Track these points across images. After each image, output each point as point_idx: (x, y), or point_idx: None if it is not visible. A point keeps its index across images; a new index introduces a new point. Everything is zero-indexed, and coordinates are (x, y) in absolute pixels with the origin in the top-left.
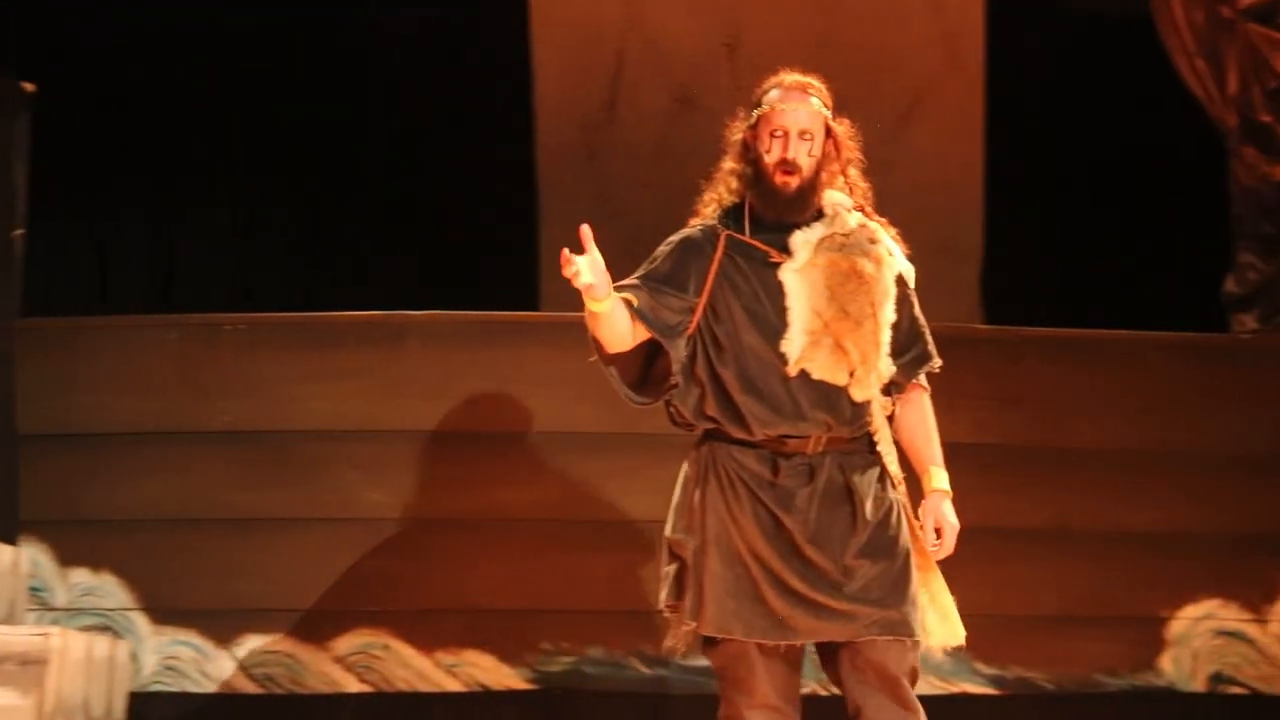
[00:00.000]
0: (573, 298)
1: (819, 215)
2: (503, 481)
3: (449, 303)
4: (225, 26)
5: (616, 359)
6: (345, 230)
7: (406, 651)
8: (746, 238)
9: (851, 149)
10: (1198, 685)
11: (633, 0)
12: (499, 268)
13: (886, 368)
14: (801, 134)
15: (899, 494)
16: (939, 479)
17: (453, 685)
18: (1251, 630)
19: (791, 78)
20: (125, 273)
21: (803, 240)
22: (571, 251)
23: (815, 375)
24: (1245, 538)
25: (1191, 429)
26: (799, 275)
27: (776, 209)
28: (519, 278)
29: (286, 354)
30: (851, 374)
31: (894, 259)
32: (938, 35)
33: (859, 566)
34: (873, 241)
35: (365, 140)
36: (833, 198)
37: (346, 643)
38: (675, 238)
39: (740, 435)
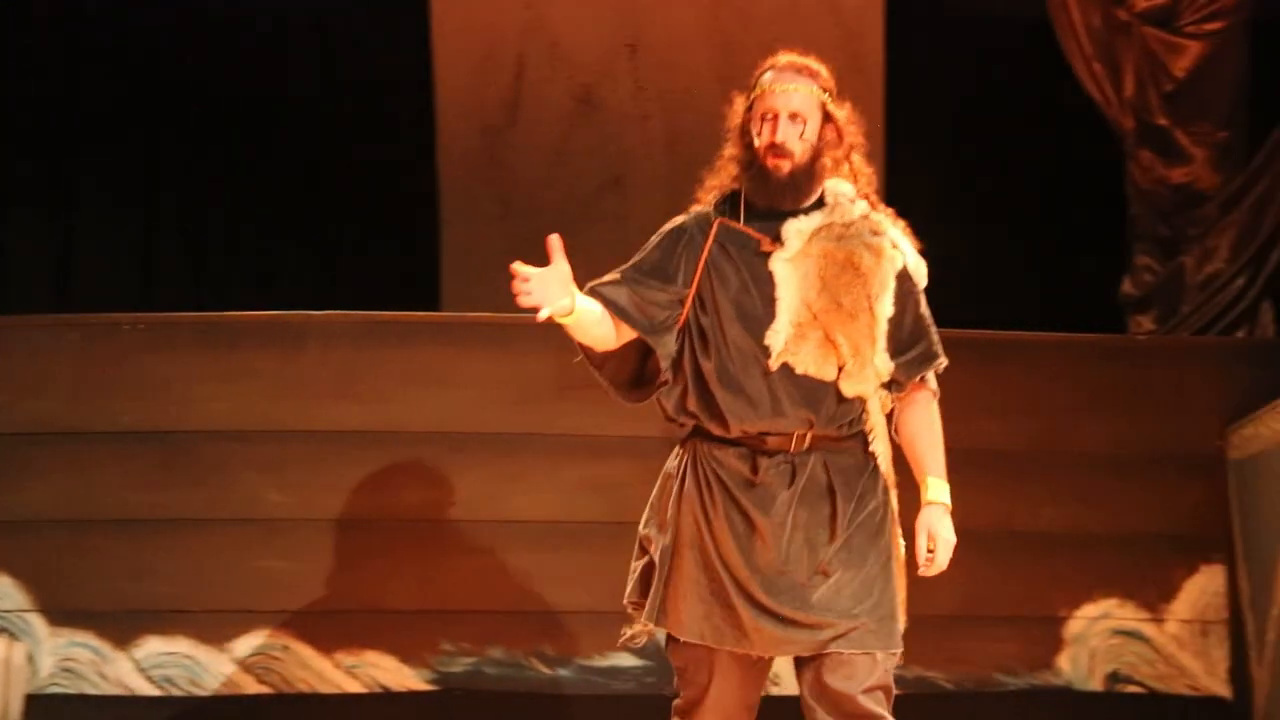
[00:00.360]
0: (475, 298)
1: (819, 204)
2: (404, 482)
3: (350, 303)
4: (123, 20)
5: (607, 359)
6: (245, 230)
7: (306, 652)
8: (739, 225)
9: (854, 134)
10: (1095, 684)
11: (534, 2)
12: (401, 268)
13: (884, 364)
14: (793, 116)
15: (890, 497)
16: (935, 490)
17: (353, 686)
18: (1148, 629)
19: (788, 58)
20: (22, 272)
21: (796, 229)
22: (539, 265)
23: (800, 370)
24: (1142, 537)
25: (1089, 429)
26: (790, 265)
27: (768, 195)
28: (421, 278)
29: (186, 354)
30: (841, 368)
31: (898, 253)
32: (838, 37)
33: (832, 571)
34: (875, 233)
35: (266, 140)
36: (836, 187)
37: (246, 644)
38: (666, 226)
39: (719, 432)
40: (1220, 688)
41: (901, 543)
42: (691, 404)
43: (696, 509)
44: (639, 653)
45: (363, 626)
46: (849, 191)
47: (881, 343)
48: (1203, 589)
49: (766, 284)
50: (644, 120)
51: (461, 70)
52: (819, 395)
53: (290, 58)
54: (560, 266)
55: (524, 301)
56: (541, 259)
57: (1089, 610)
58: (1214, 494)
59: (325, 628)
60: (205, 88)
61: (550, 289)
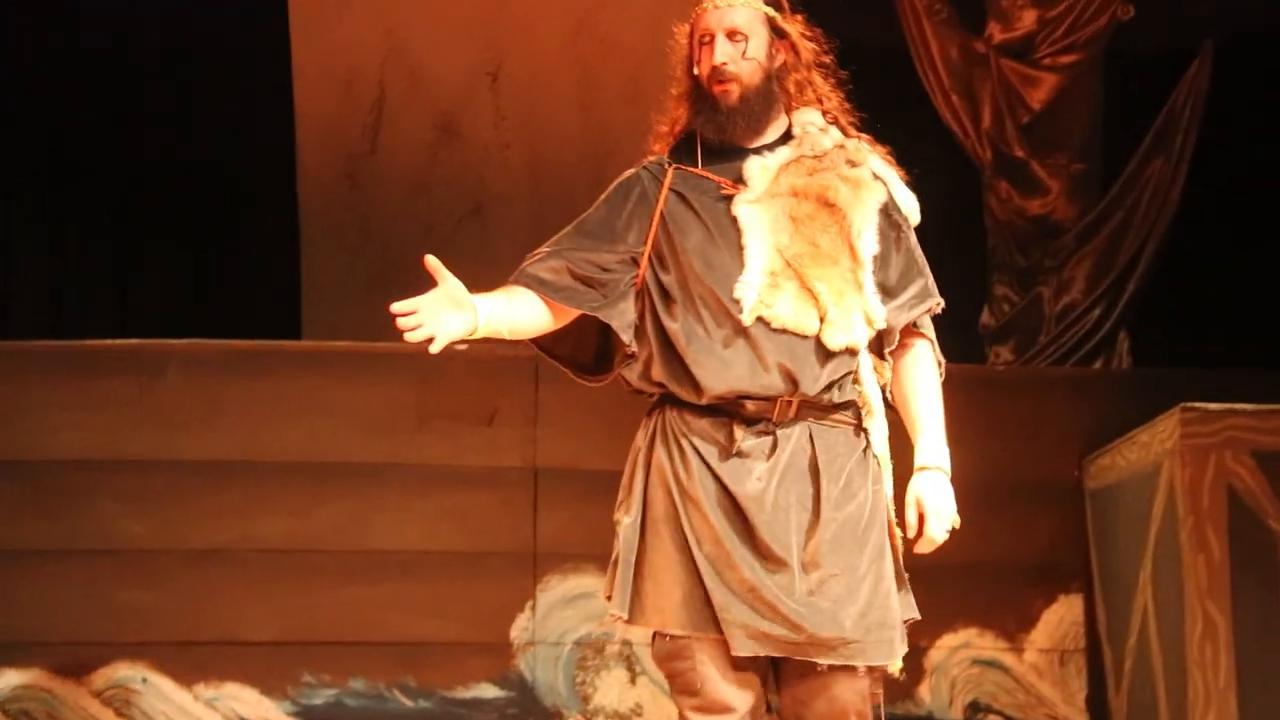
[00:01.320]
0: (336, 326)
1: (786, 138)
2: (265, 512)
3: (210, 331)
4: None
5: (560, 339)
6: (104, 256)
7: (166, 685)
8: (697, 169)
9: (812, 51)
10: (955, 713)
11: (394, 30)
12: (261, 296)
13: (874, 308)
14: (731, 34)
15: (882, 486)
16: (927, 452)
17: (212, 719)
18: (1007, 659)
19: None
20: None
21: (760, 166)
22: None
23: (776, 324)
24: (1001, 567)
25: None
26: (757, 208)
27: (722, 128)
28: (282, 306)
29: (43, 382)
30: (822, 319)
31: (879, 184)
32: None
33: (814, 566)
34: (852, 163)
35: (125, 164)
36: (804, 116)
37: (104, 677)
38: (614, 182)
39: (690, 398)
40: (1078, 716)
41: (900, 537)
42: (657, 371)
43: (669, 479)
44: (502, 684)
45: (223, 658)
46: (818, 120)
47: (869, 285)
48: (1061, 618)
49: (732, 231)
50: (505, 149)
51: (322, 97)
52: (800, 352)
53: (149, 84)
54: (446, 286)
55: (414, 337)
56: (403, 288)
57: (949, 640)
58: (1072, 524)
59: (185, 660)
60: (59, 115)
61: (441, 314)
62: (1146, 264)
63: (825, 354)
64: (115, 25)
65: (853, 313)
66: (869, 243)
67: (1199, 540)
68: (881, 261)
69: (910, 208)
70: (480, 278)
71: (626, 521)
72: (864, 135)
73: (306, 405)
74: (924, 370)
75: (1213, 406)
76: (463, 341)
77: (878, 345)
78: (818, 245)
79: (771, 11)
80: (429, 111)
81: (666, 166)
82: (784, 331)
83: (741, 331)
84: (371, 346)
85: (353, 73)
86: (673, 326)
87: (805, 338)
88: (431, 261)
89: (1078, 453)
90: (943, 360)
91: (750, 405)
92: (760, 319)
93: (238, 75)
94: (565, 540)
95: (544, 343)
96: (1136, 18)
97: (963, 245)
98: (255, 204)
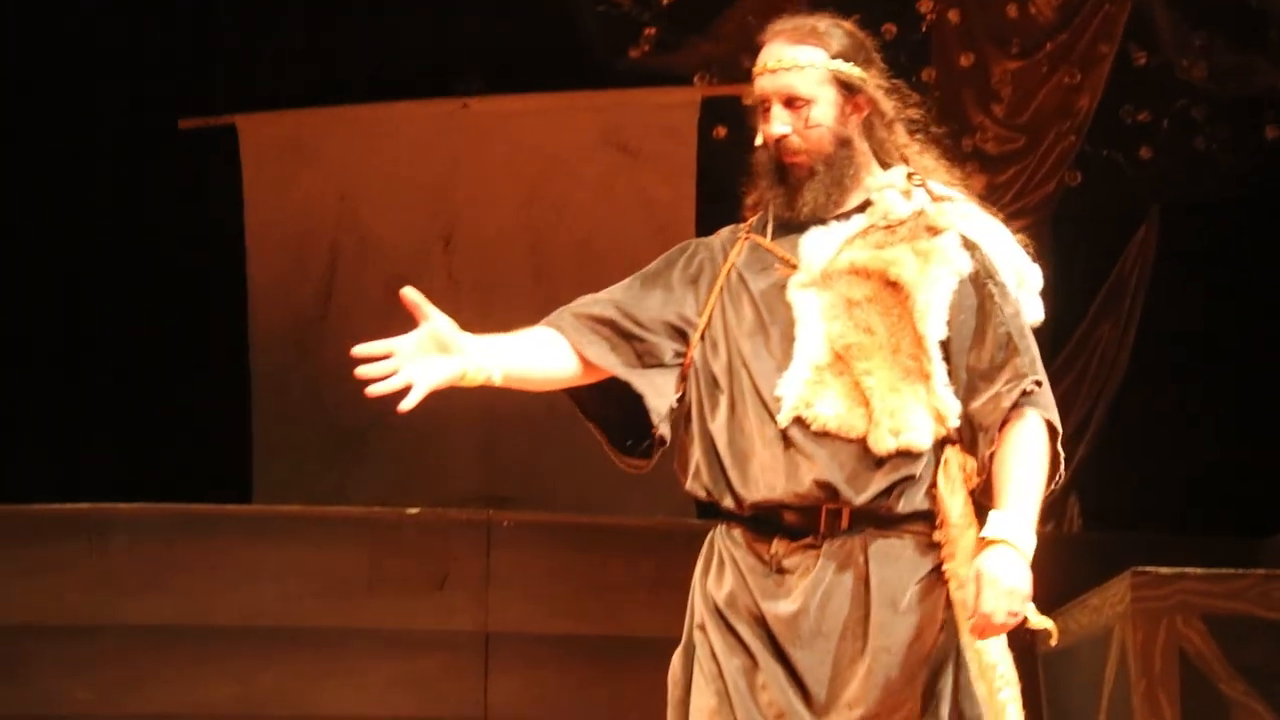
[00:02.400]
0: (286, 490)
1: (865, 205)
2: (214, 676)
3: (158, 495)
4: None
5: (599, 396)
6: (50, 419)
7: None
8: (766, 242)
9: (890, 104)
10: None
11: (347, 195)
12: (211, 459)
13: (946, 404)
14: (790, 102)
15: (953, 614)
16: (996, 524)
17: None
18: None
19: (784, 23)
20: None
21: (820, 241)
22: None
23: (816, 426)
24: None
25: None
26: (811, 291)
27: (789, 202)
28: (231, 469)
29: None
30: (871, 419)
31: (965, 253)
32: (650, 230)
33: (857, 703)
34: (933, 231)
35: (74, 325)
36: (884, 178)
37: None
38: (678, 246)
39: (732, 508)
40: None
41: (979, 690)
42: (704, 473)
43: (708, 599)
44: None
45: None
46: (900, 182)
47: (939, 375)
48: None
49: (784, 318)
50: (457, 313)
51: (274, 259)
52: (843, 457)
53: (101, 243)
54: (430, 324)
55: (382, 388)
56: (356, 451)
57: None
58: (1025, 687)
59: None
60: (6, 272)
61: (423, 359)
62: (1096, 427)
63: (875, 459)
64: (67, 186)
65: (911, 410)
66: (937, 325)
67: (1151, 704)
68: (967, 342)
69: (1016, 272)
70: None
71: (675, 662)
72: (962, 191)
73: (256, 569)
74: (1019, 443)
75: (1164, 570)
76: (451, 385)
77: (972, 442)
78: (874, 332)
79: (838, 65)
80: (381, 275)
81: (740, 237)
82: (826, 434)
83: (781, 434)
84: (322, 510)
85: (305, 236)
86: (714, 425)
87: (851, 441)
88: (410, 295)
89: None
90: (1058, 429)
91: (790, 516)
92: (799, 419)
93: (191, 235)
94: (516, 705)
95: (580, 397)
96: (1084, 183)
97: None
98: (206, 366)
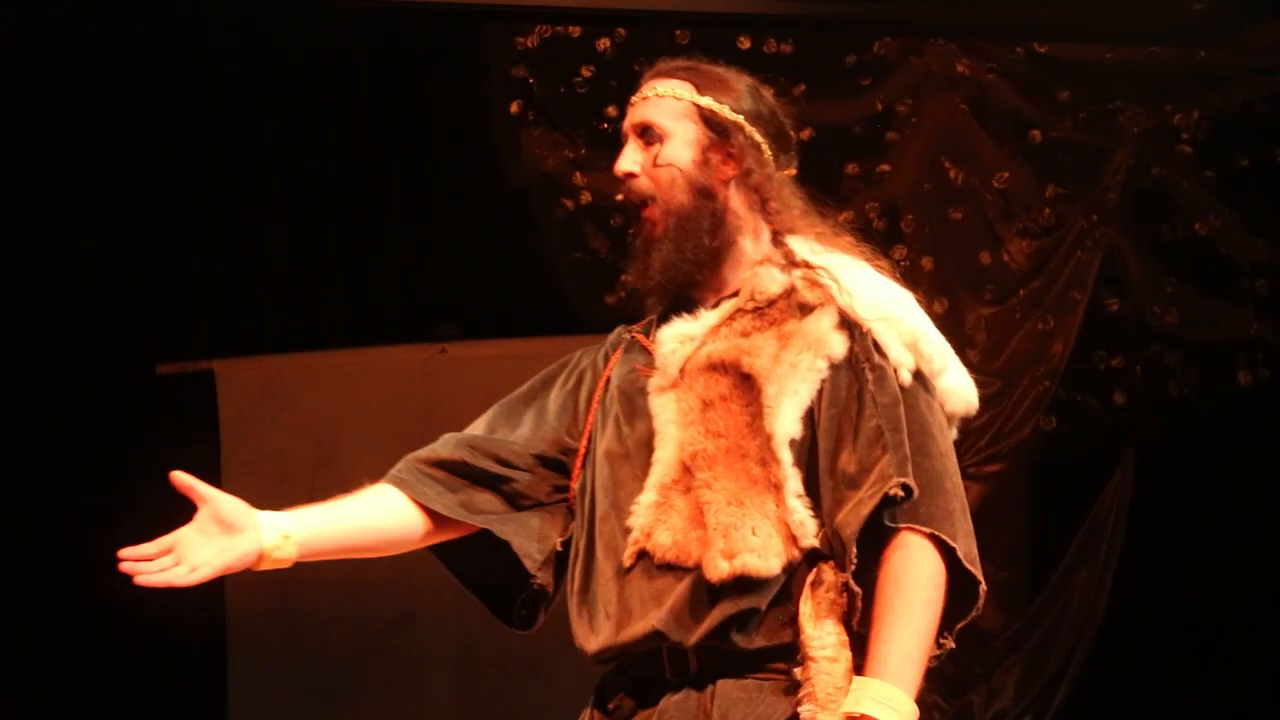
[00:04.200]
0: None
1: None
2: None
3: None
4: None
5: (467, 552)
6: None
7: None
8: (644, 338)
9: (758, 157)
10: None
11: (325, 441)
12: (188, 698)
13: (797, 517)
14: (642, 131)
15: None
16: (857, 694)
17: None
18: None
19: (669, 62)
20: None
21: (675, 336)
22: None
23: (658, 557)
24: None
25: None
26: (670, 395)
27: (641, 269)
28: (208, 711)
29: None
30: (706, 542)
31: (839, 335)
32: None
33: None
34: (805, 308)
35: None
36: (765, 253)
37: None
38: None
39: (585, 657)
40: None
41: None
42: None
43: None
44: None
45: None
46: (777, 255)
47: (792, 485)
48: None
49: (645, 430)
50: (435, 559)
51: (251, 503)
52: (679, 591)
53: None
54: (210, 507)
55: (161, 580)
56: (331, 689)
57: None
58: None
59: None
60: None
61: (207, 544)
62: (1074, 673)
63: (711, 589)
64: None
65: (754, 527)
66: (788, 422)
67: None
68: (840, 442)
69: (913, 350)
70: (410, 690)
71: None
72: (862, 249)
73: None
74: (893, 581)
75: None
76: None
77: (836, 556)
78: (722, 437)
79: (707, 102)
80: None
81: (623, 338)
82: (666, 564)
83: (625, 571)
84: None
85: (282, 480)
86: (575, 568)
87: (689, 570)
88: (180, 478)
89: None
90: (951, 544)
91: (629, 665)
92: (643, 552)
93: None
94: None
95: (447, 555)
96: (1059, 427)
97: None
98: (181, 615)
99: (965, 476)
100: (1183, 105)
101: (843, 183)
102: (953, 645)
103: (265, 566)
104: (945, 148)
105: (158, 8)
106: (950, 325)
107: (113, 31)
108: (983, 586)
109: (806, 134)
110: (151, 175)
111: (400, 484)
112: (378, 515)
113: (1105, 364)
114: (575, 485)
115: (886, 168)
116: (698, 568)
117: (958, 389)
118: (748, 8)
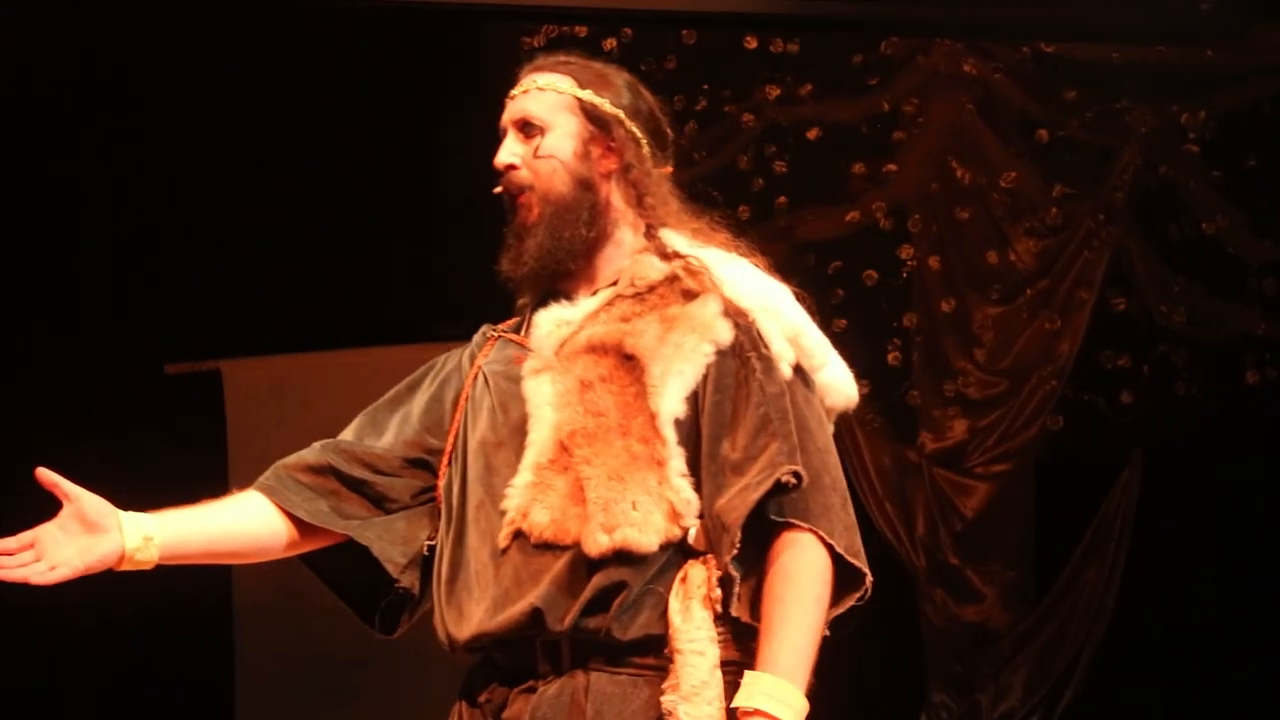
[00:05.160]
0: None
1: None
2: None
3: None
4: None
5: (338, 558)
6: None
7: None
8: (510, 332)
9: (637, 153)
10: None
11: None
12: (194, 702)
13: (681, 497)
14: (522, 124)
15: None
16: (748, 690)
17: None
18: None
19: (547, 57)
20: None
21: (552, 319)
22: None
23: (535, 537)
24: None
25: None
26: (545, 377)
27: (514, 256)
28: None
29: None
30: (585, 516)
31: (724, 321)
32: None
33: None
34: (688, 294)
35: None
36: (640, 241)
37: None
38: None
39: (448, 650)
40: None
41: None
42: (434, 616)
43: None
44: None
45: None
46: (671, 242)
47: (675, 465)
48: None
49: (519, 414)
50: None
51: None
52: (556, 572)
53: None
54: (75, 505)
55: (25, 573)
56: (338, 695)
57: None
58: None
59: None
60: None
61: (69, 543)
62: (1082, 673)
63: (588, 567)
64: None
65: (635, 502)
66: (672, 401)
67: None
68: (723, 429)
69: (794, 344)
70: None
71: None
72: (737, 246)
73: None
74: (783, 576)
75: None
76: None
77: (718, 547)
78: (604, 414)
79: (587, 95)
80: None
81: (490, 336)
82: (544, 543)
83: (501, 554)
84: None
85: None
86: (443, 562)
87: (567, 548)
88: (45, 475)
89: None
90: (829, 541)
91: (499, 654)
92: (519, 532)
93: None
94: None
95: (317, 562)
96: (1066, 427)
97: (897, 650)
98: (188, 613)
99: (973, 476)
100: (1190, 105)
101: (849, 182)
102: (828, 634)
103: (126, 568)
104: (952, 148)
105: (158, 8)
106: (957, 325)
107: (113, 31)
108: (869, 579)
109: (813, 134)
110: (155, 174)
111: (267, 491)
112: (243, 521)
113: (1112, 364)
114: (441, 484)
115: (893, 167)
116: (576, 544)
117: (837, 383)
118: (754, 7)
